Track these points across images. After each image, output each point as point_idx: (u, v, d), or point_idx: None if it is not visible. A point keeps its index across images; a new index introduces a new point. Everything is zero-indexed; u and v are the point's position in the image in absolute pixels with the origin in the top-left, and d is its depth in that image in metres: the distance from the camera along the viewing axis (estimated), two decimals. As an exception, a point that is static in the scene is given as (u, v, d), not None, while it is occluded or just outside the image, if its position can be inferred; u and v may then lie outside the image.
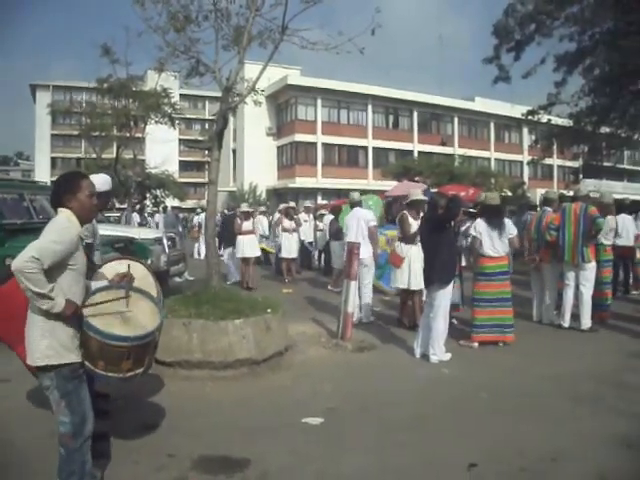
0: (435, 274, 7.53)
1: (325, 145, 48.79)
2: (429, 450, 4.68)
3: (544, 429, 5.16)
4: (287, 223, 15.42)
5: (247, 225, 14.06)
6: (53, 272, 3.37)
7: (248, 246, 13.91)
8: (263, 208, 18.34)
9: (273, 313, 7.29)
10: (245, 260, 14.03)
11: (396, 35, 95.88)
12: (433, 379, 6.78)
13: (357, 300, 9.23)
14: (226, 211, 20.66)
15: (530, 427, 5.21)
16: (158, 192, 37.25)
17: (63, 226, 3.51)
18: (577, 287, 9.47)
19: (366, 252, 9.63)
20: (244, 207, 15.03)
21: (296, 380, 6.63)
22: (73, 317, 3.45)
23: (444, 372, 7.03)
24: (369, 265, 9.95)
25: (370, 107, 50.42)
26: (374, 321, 9.95)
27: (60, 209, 3.63)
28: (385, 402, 5.89)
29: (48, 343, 3.44)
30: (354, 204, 10.51)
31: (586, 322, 9.35)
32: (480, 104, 54.31)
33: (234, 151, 52.08)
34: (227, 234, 15.03)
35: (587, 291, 9.40)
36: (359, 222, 9.96)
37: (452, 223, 8.12)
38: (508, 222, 8.69)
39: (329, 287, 13.89)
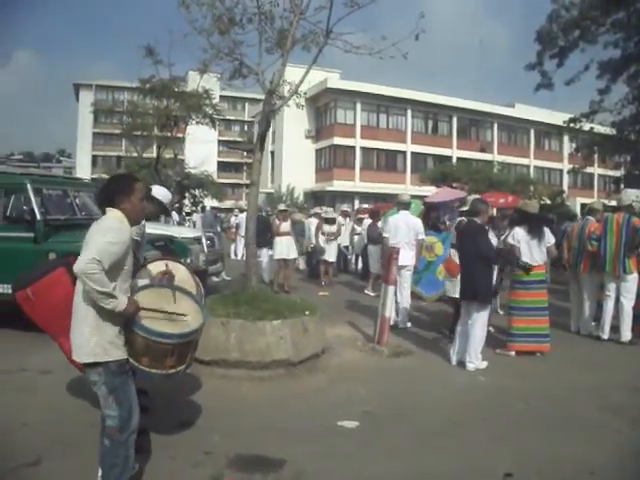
0: (476, 289, 7.39)
1: (363, 149, 48.71)
2: (464, 457, 4.67)
3: (581, 441, 5.11)
4: (327, 227, 15.34)
5: (285, 226, 13.98)
6: (108, 272, 3.43)
7: (286, 247, 13.83)
8: (318, 210, 17.82)
9: (311, 315, 7.33)
10: (282, 262, 13.93)
11: (437, 40, 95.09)
12: (469, 386, 6.75)
13: (395, 304, 9.21)
14: (264, 213, 20.78)
15: (566, 438, 5.15)
16: (197, 192, 37.50)
17: (117, 227, 3.57)
18: (617, 298, 9.32)
19: (408, 259, 9.60)
20: (282, 207, 15.01)
21: (332, 383, 6.65)
22: (119, 315, 3.52)
23: (480, 379, 7.00)
24: (410, 270, 9.93)
25: (409, 112, 50.22)
26: (410, 327, 9.92)
27: (110, 209, 3.68)
28: (420, 407, 5.89)
29: (97, 340, 3.51)
30: (402, 206, 10.31)
31: (626, 334, 9.18)
32: (520, 110, 53.74)
33: (272, 153, 52.26)
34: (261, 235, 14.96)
35: (628, 303, 9.23)
36: (407, 228, 9.88)
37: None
38: (546, 231, 8.59)
39: (365, 291, 13.88)
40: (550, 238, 8.52)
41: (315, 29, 8.34)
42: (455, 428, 5.31)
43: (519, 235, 8.30)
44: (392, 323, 8.92)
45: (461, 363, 7.46)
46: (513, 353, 8.17)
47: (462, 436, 5.12)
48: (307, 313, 7.33)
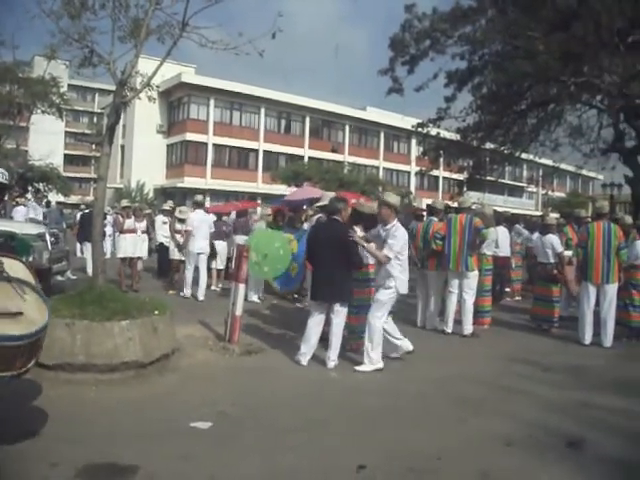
0: (335, 290, 7.36)
1: (216, 146, 48.34)
2: (319, 453, 4.71)
3: (430, 430, 5.33)
4: (179, 226, 14.73)
5: (129, 223, 13.38)
6: None
7: (132, 245, 13.26)
8: (167, 206, 17.06)
9: (160, 315, 7.10)
10: (127, 260, 13.34)
11: (295, 41, 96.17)
12: (321, 383, 6.82)
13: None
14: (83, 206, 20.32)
15: (417, 429, 5.35)
16: (41, 185, 35.48)
17: None
18: (460, 294, 9.88)
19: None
20: (124, 203, 14.33)
21: (183, 383, 6.50)
22: None
23: (332, 376, 7.09)
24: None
25: (263, 110, 50.43)
26: (262, 325, 9.93)
27: None
28: (274, 405, 5.88)
29: None
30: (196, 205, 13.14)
31: (468, 328, 9.75)
32: (371, 114, 55.62)
33: (122, 147, 50.55)
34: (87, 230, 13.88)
35: (470, 298, 9.81)
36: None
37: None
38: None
39: (212, 287, 13.89)
40: (390, 241, 8.76)
41: (171, 20, 8.10)
42: (309, 425, 5.35)
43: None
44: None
45: (313, 359, 7.50)
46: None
47: (316, 433, 5.17)
48: (156, 312, 7.08)
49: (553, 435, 5.27)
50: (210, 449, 4.69)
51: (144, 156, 47.58)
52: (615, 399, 6.46)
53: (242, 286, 8.37)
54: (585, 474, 4.48)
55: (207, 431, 5.09)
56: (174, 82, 44.28)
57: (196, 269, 12.71)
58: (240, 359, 7.72)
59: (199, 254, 12.66)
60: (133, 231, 13.41)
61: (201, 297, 12.44)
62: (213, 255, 14.05)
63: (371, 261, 8.00)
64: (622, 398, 6.51)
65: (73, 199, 48.96)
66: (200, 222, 12.70)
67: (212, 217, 13.73)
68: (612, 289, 9.40)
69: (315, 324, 7.49)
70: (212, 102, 47.86)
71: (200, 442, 4.84)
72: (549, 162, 25.46)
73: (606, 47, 15.70)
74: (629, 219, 11.14)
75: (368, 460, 4.52)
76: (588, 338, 9.34)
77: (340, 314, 7.41)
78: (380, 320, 7.36)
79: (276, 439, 4.97)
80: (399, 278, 7.42)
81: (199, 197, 13.86)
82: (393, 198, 7.90)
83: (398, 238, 7.41)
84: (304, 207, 13.95)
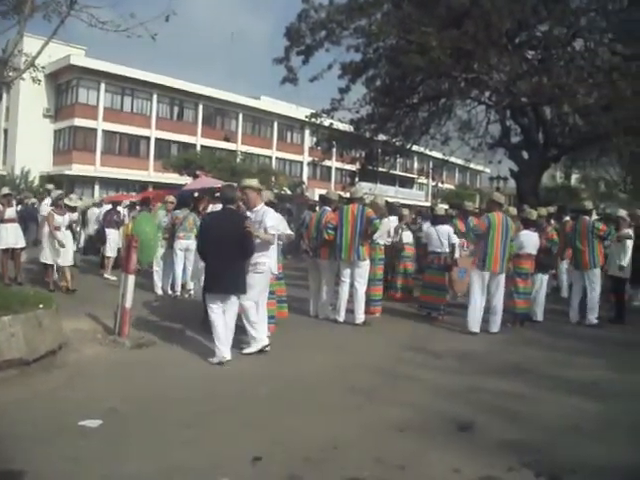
0: (236, 282, 7.28)
1: (106, 132, 46.65)
2: (213, 446, 4.63)
3: (325, 419, 5.37)
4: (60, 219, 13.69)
5: (10, 212, 12.46)
6: None
7: (13, 235, 12.37)
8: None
9: (45, 308, 6.81)
10: (8, 251, 12.40)
11: (189, 26, 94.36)
12: (214, 376, 6.73)
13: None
14: None
15: (312, 418, 5.39)
16: None
17: None
18: (352, 284, 9.98)
19: None
20: (5, 190, 13.35)
21: (71, 380, 6.22)
22: None
23: (227, 368, 7.00)
24: None
25: (155, 96, 49.08)
26: (153, 317, 9.71)
27: None
28: (166, 400, 5.73)
29: None
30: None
31: (360, 317, 9.89)
32: (266, 103, 55.28)
33: (6, 131, 47.90)
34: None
35: (361, 287, 9.96)
36: None
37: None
38: (270, 217, 8.90)
39: (105, 275, 13.98)
40: (283, 226, 8.81)
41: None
42: (203, 419, 5.25)
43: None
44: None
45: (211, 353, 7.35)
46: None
47: (210, 426, 5.08)
48: (41, 306, 6.78)
49: (444, 419, 5.43)
50: (100, 448, 4.51)
51: (29, 141, 45.14)
52: (501, 382, 6.75)
53: (131, 277, 8.10)
54: (474, 455, 4.62)
55: (97, 429, 4.88)
56: (62, 64, 42.22)
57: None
58: (131, 353, 7.51)
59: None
60: (13, 220, 12.56)
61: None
62: (103, 242, 14.20)
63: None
64: (508, 381, 6.82)
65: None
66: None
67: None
68: (503, 278, 9.82)
69: (219, 317, 7.23)
70: (102, 86, 46.08)
71: (90, 441, 4.63)
72: (439, 155, 26.16)
73: (495, 46, 16.31)
74: (514, 210, 11.61)
75: (263, 451, 4.48)
76: (478, 326, 9.64)
77: (234, 306, 7.32)
78: (250, 302, 7.41)
79: (169, 434, 4.85)
80: (272, 257, 7.59)
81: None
82: (254, 181, 8.10)
83: (275, 218, 7.65)
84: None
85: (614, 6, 16.95)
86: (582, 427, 5.40)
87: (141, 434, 4.84)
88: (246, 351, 7.45)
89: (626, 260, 11.37)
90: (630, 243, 11.46)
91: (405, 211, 13.92)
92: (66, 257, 12.00)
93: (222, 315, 7.23)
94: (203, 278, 8.17)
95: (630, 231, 11.45)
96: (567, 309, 11.30)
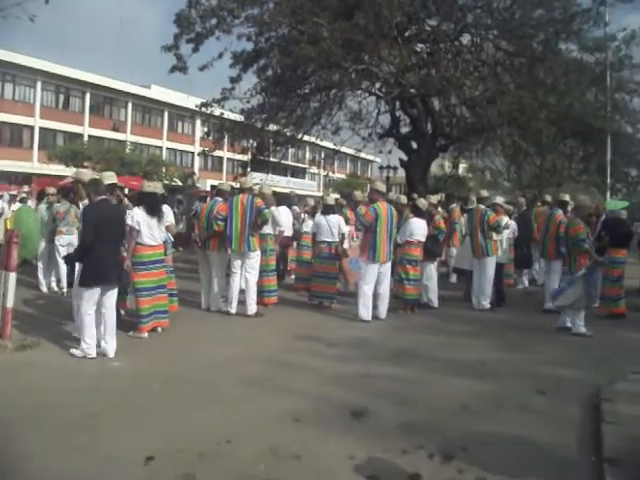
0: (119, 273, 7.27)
1: (-16, 121, 44.22)
2: (104, 449, 4.40)
3: (219, 413, 5.26)
4: None
5: None
6: None
7: None
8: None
9: None
10: None
11: (75, 10, 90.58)
12: (103, 374, 6.44)
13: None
14: None
15: (205, 413, 5.25)
16: None
17: None
18: (243, 275, 9.91)
19: None
20: None
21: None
22: None
23: (114, 365, 6.74)
24: None
25: (39, 84, 46.78)
26: (38, 316, 9.23)
27: None
28: (53, 403, 5.38)
29: None
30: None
31: (252, 308, 9.81)
32: (156, 92, 53.93)
33: None
34: None
35: (253, 278, 9.88)
36: None
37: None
38: (167, 209, 8.87)
39: None
40: (169, 217, 8.91)
41: None
42: (93, 421, 4.96)
43: (139, 216, 8.07)
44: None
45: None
46: (146, 334, 8.06)
47: (101, 428, 4.82)
48: None
49: (339, 407, 5.43)
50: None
51: None
52: (394, 368, 6.87)
53: (12, 275, 7.58)
54: (369, 440, 4.65)
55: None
56: None
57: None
58: (13, 355, 7.00)
59: None
60: None
61: None
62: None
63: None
64: (400, 366, 6.97)
65: None
66: None
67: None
68: (389, 265, 10.05)
69: (93, 314, 6.96)
70: (-21, 72, 43.61)
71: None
72: (330, 145, 26.38)
73: (386, 39, 16.54)
74: (404, 199, 11.82)
75: (156, 450, 4.32)
76: (369, 314, 9.73)
77: (113, 298, 7.16)
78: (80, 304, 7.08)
79: (57, 440, 4.56)
80: None
81: None
82: (87, 174, 8.26)
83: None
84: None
85: (499, 4, 17.64)
86: (471, 406, 5.57)
87: (28, 442, 4.51)
88: (73, 351, 7.05)
89: (503, 246, 11.79)
90: (507, 232, 11.87)
91: (311, 201, 13.92)
92: None
93: (98, 310, 7.03)
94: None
95: (506, 218, 11.79)
96: (457, 294, 11.60)
